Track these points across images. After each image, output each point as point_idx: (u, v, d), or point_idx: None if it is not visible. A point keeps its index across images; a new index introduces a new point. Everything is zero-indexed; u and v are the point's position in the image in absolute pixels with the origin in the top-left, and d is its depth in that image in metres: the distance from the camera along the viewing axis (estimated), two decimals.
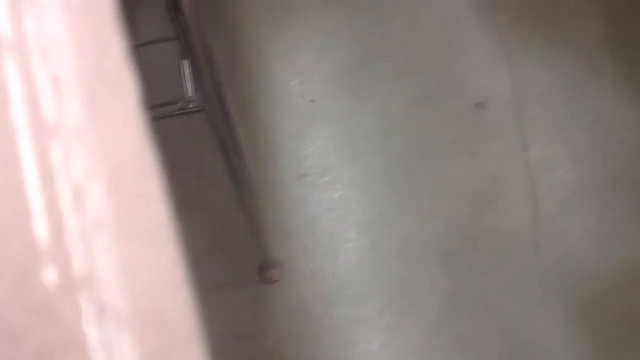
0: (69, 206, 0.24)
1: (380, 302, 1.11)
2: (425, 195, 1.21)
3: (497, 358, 1.08)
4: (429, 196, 1.21)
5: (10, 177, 0.24)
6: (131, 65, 0.27)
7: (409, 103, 1.29)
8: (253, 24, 1.39)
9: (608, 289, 1.09)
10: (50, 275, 0.23)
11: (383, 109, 1.28)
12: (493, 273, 1.14)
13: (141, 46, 1.01)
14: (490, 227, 1.17)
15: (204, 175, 1.22)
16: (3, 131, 0.24)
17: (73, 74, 0.26)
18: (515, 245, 1.15)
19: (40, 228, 0.23)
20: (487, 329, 1.09)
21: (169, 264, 0.26)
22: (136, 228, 0.25)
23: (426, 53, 1.34)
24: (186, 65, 0.93)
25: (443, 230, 1.17)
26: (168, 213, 0.26)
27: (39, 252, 0.23)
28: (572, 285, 1.10)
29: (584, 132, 1.21)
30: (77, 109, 0.25)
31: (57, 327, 0.22)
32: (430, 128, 1.26)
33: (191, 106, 0.93)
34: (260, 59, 1.35)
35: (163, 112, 0.96)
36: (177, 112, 0.94)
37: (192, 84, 0.93)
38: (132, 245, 0.25)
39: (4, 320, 0.22)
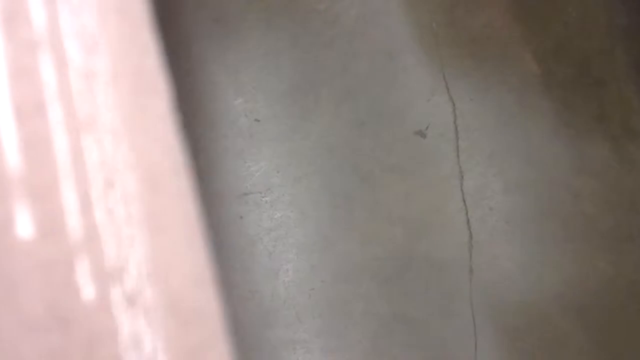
0: (101, 200, 0.24)
1: (317, 324, 1.12)
2: (364, 219, 1.23)
3: None
4: (367, 220, 1.23)
5: (45, 172, 0.23)
6: (164, 67, 0.27)
7: (350, 128, 1.32)
8: (197, 40, 1.38)
9: (535, 316, 1.14)
10: (84, 270, 0.23)
11: (325, 132, 1.30)
12: (427, 297, 1.16)
13: None
14: (425, 252, 1.20)
15: None
16: (39, 135, 0.24)
17: (109, 73, 0.26)
18: (449, 270, 1.19)
19: (75, 227, 0.23)
20: (420, 351, 1.11)
21: (199, 261, 0.26)
22: (168, 224, 0.25)
23: (368, 80, 1.38)
24: None
25: (380, 254, 1.19)
26: (198, 211, 0.26)
27: (74, 245, 0.23)
28: (502, 311, 1.14)
29: (517, 165, 1.28)
30: (111, 105, 0.25)
31: (95, 317, 0.22)
32: (370, 153, 1.29)
33: None
34: (204, 76, 1.34)
35: None
36: None
37: None
38: (163, 240, 0.25)
39: (55, 310, 0.22)
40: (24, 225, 0.23)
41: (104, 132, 0.25)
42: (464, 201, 1.24)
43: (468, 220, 1.22)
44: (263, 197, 1.20)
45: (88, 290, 0.24)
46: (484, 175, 1.26)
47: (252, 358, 1.09)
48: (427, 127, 1.30)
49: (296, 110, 1.32)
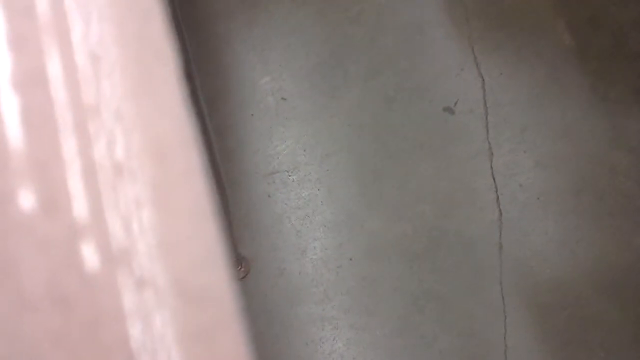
0: (108, 183, 0.24)
1: (346, 301, 1.12)
2: (393, 196, 1.22)
3: (458, 357, 1.09)
4: (396, 198, 1.22)
5: (50, 155, 0.23)
6: (171, 33, 0.27)
7: (378, 105, 1.30)
8: (223, 19, 1.38)
9: (568, 293, 1.12)
10: (90, 250, 0.22)
11: (353, 109, 1.29)
12: (457, 275, 1.15)
13: None
14: (454, 229, 1.19)
15: None
16: (41, 110, 0.23)
17: (113, 44, 0.25)
18: (478, 247, 1.17)
19: (80, 205, 0.23)
20: (449, 329, 1.11)
21: (209, 240, 0.25)
22: (176, 203, 0.25)
23: (396, 56, 1.35)
24: None
25: (409, 232, 1.19)
26: (209, 187, 0.26)
27: (78, 223, 0.23)
28: (534, 288, 1.12)
29: (548, 141, 1.24)
30: (116, 81, 0.25)
31: (101, 297, 0.22)
32: (398, 130, 1.28)
33: None
34: (231, 55, 1.34)
35: None
36: None
37: None
38: (171, 218, 0.24)
39: (58, 290, 0.22)
40: (25, 200, 0.23)
41: (108, 107, 0.25)
42: (494, 178, 1.21)
43: (498, 197, 1.20)
44: (290, 175, 1.20)
45: (93, 270, 0.23)
46: (514, 151, 1.24)
47: (282, 334, 1.10)
48: (455, 103, 1.28)
49: (323, 87, 1.30)
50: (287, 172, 1.21)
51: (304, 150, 1.24)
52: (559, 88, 1.30)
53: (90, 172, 0.24)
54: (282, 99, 1.28)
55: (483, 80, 1.29)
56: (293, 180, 1.21)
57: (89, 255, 0.23)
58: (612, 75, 1.31)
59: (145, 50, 0.26)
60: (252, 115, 1.27)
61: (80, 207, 0.23)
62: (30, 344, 0.22)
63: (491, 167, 1.23)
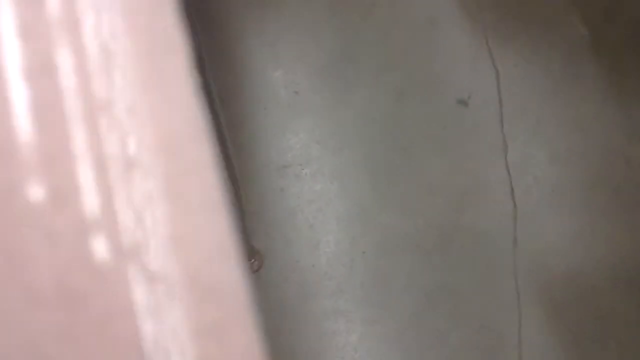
0: (119, 177, 0.23)
1: (359, 295, 1.12)
2: (406, 190, 1.22)
3: (473, 352, 1.09)
4: (409, 191, 1.22)
5: (59, 150, 0.23)
6: (182, 24, 0.27)
7: (391, 98, 1.30)
8: (235, 15, 1.38)
9: (583, 288, 1.11)
10: (100, 244, 0.22)
11: (366, 103, 1.29)
12: (470, 269, 1.15)
13: None
14: (468, 224, 1.18)
15: None
16: (51, 102, 0.23)
17: (124, 36, 0.25)
18: (492, 241, 1.17)
19: (90, 198, 0.23)
20: (463, 324, 1.10)
21: (221, 234, 0.25)
22: (188, 197, 0.25)
23: (409, 49, 1.35)
24: None
25: (422, 226, 1.18)
26: (220, 180, 0.26)
27: (90, 221, 0.23)
28: (548, 283, 1.12)
29: (564, 134, 1.23)
30: (127, 74, 0.24)
31: (111, 292, 0.22)
32: (412, 123, 1.27)
33: None
34: (242, 49, 1.34)
35: None
36: None
37: None
38: (183, 212, 0.24)
39: (67, 284, 0.22)
40: (34, 193, 0.23)
41: (119, 100, 0.24)
42: (508, 171, 1.21)
43: (512, 191, 1.19)
44: (303, 169, 1.20)
45: (103, 264, 0.23)
46: (529, 144, 1.23)
47: (295, 328, 1.10)
48: (469, 96, 1.27)
49: (336, 81, 1.30)
50: (300, 165, 1.21)
51: (317, 144, 1.24)
52: (573, 80, 1.28)
53: (100, 165, 0.24)
54: (295, 92, 1.28)
55: (497, 72, 1.28)
56: (306, 174, 1.20)
57: (99, 249, 0.23)
58: (627, 67, 1.29)
59: (157, 42, 0.26)
60: (265, 109, 1.27)
61: (90, 201, 0.23)
62: (39, 339, 0.22)
63: (505, 160, 1.22)
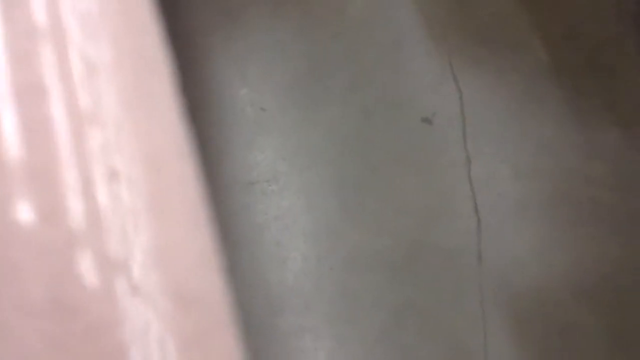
0: (104, 193, 0.23)
1: (326, 311, 1.11)
2: (372, 207, 1.22)
3: None
4: (376, 209, 1.22)
5: (46, 164, 0.23)
6: (166, 47, 0.27)
7: (357, 117, 1.31)
8: (203, 33, 1.38)
9: (547, 302, 1.13)
10: (87, 257, 0.22)
11: (334, 121, 1.30)
12: (437, 286, 1.15)
13: None
14: (434, 241, 1.19)
15: None
16: (39, 120, 0.23)
17: (110, 57, 0.25)
18: (458, 258, 1.18)
19: (77, 214, 0.23)
20: (430, 340, 1.10)
21: (203, 246, 0.25)
22: (172, 210, 0.25)
23: (375, 69, 1.37)
24: None
25: (389, 243, 1.19)
26: (203, 196, 0.26)
27: (76, 232, 0.23)
28: (513, 298, 1.13)
29: (525, 152, 1.26)
30: (113, 93, 0.25)
31: (97, 304, 0.22)
32: (378, 142, 1.28)
33: None
34: (210, 68, 1.34)
35: None
36: None
37: None
38: (167, 226, 0.25)
39: (56, 297, 0.22)
40: (24, 209, 0.23)
41: (106, 118, 0.25)
42: (472, 187, 1.22)
43: (476, 207, 1.20)
44: (270, 185, 1.20)
45: (91, 278, 0.23)
46: (492, 161, 1.25)
47: (262, 345, 1.09)
48: (433, 114, 1.29)
49: (303, 100, 1.31)
50: (267, 182, 1.20)
51: (284, 161, 1.24)
52: (536, 102, 1.32)
53: (87, 181, 0.24)
54: (262, 109, 1.29)
55: (461, 93, 1.31)
56: (273, 191, 1.20)
57: (87, 262, 0.23)
58: (586, 89, 1.33)
59: (142, 64, 0.27)
60: (231, 126, 1.27)
61: (77, 215, 0.23)
62: (30, 350, 0.22)
63: (469, 177, 1.24)
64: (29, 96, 0.24)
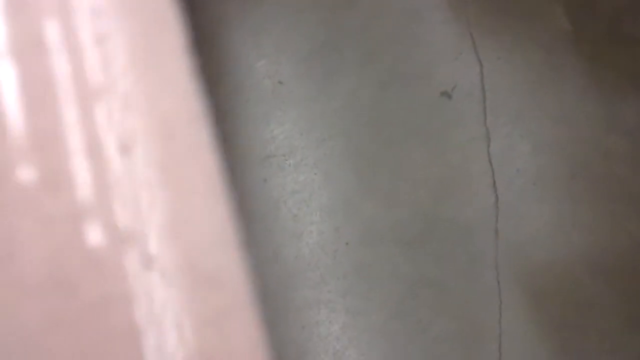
0: (115, 163, 0.22)
1: (342, 285, 1.12)
2: (389, 181, 1.22)
3: (454, 342, 1.10)
4: (392, 183, 1.22)
5: (51, 128, 0.22)
6: (176, 2, 0.26)
7: (375, 89, 1.29)
8: (220, 3, 1.36)
9: (563, 278, 1.13)
10: (95, 229, 0.21)
11: (350, 94, 1.28)
12: (452, 260, 1.16)
13: None
14: (450, 215, 1.19)
15: None
16: (43, 79, 0.22)
17: (118, 15, 0.24)
18: (474, 232, 1.17)
19: (84, 182, 0.21)
20: (445, 314, 1.11)
21: (221, 220, 0.24)
22: (186, 181, 0.24)
23: (393, 41, 1.35)
24: None
25: (405, 217, 1.19)
26: (219, 164, 0.24)
27: (84, 206, 0.21)
28: (529, 273, 1.13)
29: (544, 126, 1.24)
30: (121, 54, 0.23)
31: (106, 279, 0.21)
32: (395, 115, 1.27)
33: None
34: (226, 39, 1.33)
35: None
36: None
37: None
38: (180, 197, 0.23)
39: (60, 271, 0.21)
40: (25, 175, 0.21)
41: (113, 78, 0.23)
42: (490, 163, 1.21)
43: (494, 182, 1.20)
44: (286, 160, 1.20)
45: (97, 250, 0.21)
46: (511, 136, 1.24)
47: (278, 318, 1.10)
48: (453, 88, 1.27)
49: (319, 71, 1.30)
50: (284, 156, 1.20)
51: (301, 135, 1.23)
52: (555, 73, 1.29)
53: (94, 148, 0.22)
54: (279, 82, 1.28)
55: (481, 65, 1.29)
56: (289, 165, 1.20)
57: (94, 235, 0.22)
58: (607, 59, 1.30)
59: (151, 21, 0.25)
60: (248, 99, 1.26)
61: (83, 184, 0.22)
62: (30, 328, 0.21)
63: (488, 152, 1.23)
64: (30, 53, 0.23)
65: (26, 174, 0.22)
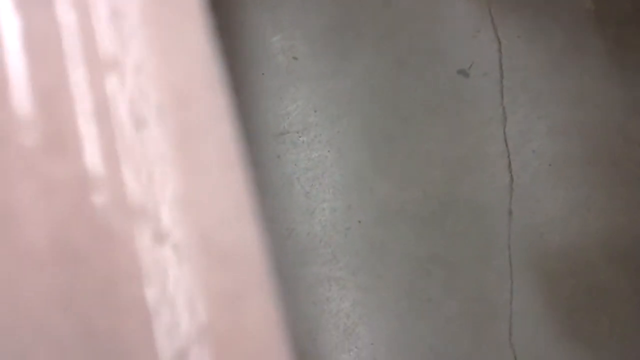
0: (126, 135, 0.21)
1: (354, 263, 1.12)
2: (404, 160, 1.21)
3: (465, 322, 1.10)
4: (407, 162, 1.21)
5: (56, 86, 0.20)
6: None
7: (391, 67, 1.28)
8: None
9: (577, 261, 1.12)
10: (103, 199, 0.20)
11: (365, 71, 1.27)
12: (465, 240, 1.15)
13: None
14: (465, 195, 1.18)
15: None
16: (48, 33, 0.21)
17: None
18: (488, 213, 1.17)
19: (92, 148, 0.20)
20: (457, 294, 1.11)
21: (237, 193, 0.23)
22: (201, 152, 0.22)
23: (410, 18, 1.32)
24: None
25: (419, 196, 1.18)
26: (236, 133, 0.23)
27: (92, 174, 0.20)
28: (542, 255, 1.12)
29: (563, 107, 1.22)
30: (132, 9, 0.22)
31: (116, 253, 0.20)
32: (411, 93, 1.26)
33: None
34: (241, 13, 1.31)
35: None
36: None
37: None
38: (196, 171, 0.22)
39: (65, 242, 0.19)
40: (27, 137, 0.19)
41: (123, 34, 0.22)
42: (506, 143, 1.20)
43: (510, 163, 1.18)
44: (300, 136, 1.19)
45: (106, 222, 0.20)
46: (528, 117, 1.22)
47: (289, 294, 1.11)
48: (470, 66, 1.25)
49: (335, 48, 1.28)
50: (297, 133, 1.20)
51: (315, 111, 1.22)
52: (576, 53, 1.27)
53: (103, 110, 0.20)
54: (294, 58, 1.26)
55: (500, 43, 1.27)
56: (303, 142, 1.19)
57: (103, 204, 0.20)
58: (630, 41, 1.28)
59: None
60: (263, 74, 1.25)
61: (91, 151, 0.20)
62: (33, 304, 0.19)
63: (504, 133, 1.21)
64: (34, 5, 0.21)
65: (30, 134, 0.20)
